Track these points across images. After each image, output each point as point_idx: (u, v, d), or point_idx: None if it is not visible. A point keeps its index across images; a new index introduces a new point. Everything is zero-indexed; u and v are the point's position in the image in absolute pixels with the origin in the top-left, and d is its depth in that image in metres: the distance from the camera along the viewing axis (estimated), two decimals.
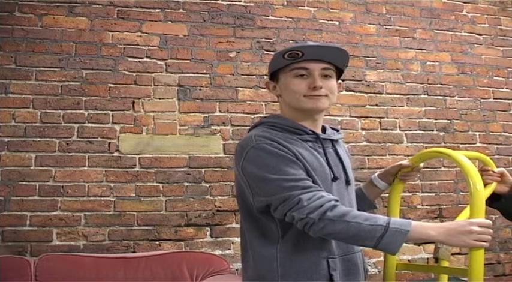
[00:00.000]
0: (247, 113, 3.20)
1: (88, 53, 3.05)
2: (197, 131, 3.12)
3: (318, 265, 1.42)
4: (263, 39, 3.32)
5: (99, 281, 2.56)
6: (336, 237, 1.39)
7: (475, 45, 3.70)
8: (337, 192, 1.48)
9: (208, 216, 3.05)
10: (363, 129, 3.39)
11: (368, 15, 3.54)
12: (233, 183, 2.76)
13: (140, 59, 3.12)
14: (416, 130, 3.48)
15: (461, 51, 3.66)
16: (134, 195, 2.98)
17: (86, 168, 2.94)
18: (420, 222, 1.39)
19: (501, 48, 3.75)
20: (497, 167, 1.74)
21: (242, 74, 3.25)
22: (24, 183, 2.85)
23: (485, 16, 3.75)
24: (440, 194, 3.43)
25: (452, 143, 3.51)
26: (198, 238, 3.02)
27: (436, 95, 3.56)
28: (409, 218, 2.95)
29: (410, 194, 3.37)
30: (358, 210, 1.48)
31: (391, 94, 3.47)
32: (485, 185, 1.63)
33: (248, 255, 1.50)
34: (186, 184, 3.05)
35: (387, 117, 3.44)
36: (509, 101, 3.71)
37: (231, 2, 3.31)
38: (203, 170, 3.09)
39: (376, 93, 3.45)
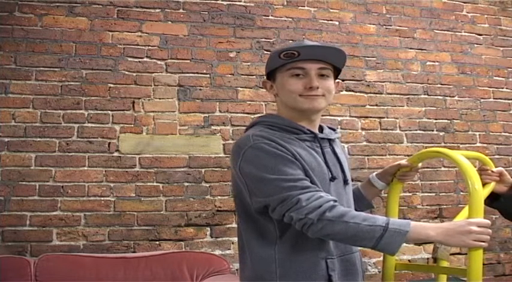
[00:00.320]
0: (247, 113, 3.20)
1: (88, 53, 3.06)
2: (197, 131, 3.12)
3: (317, 265, 1.42)
4: (263, 39, 3.32)
5: (99, 281, 2.56)
6: (334, 237, 1.38)
7: (475, 45, 3.70)
8: (335, 192, 1.47)
9: (208, 216, 3.05)
10: (363, 129, 3.38)
11: (368, 15, 3.54)
12: None
13: (140, 59, 3.12)
14: (416, 130, 3.47)
15: (461, 51, 3.66)
16: (134, 195, 2.98)
17: (86, 168, 2.94)
18: (419, 222, 1.38)
19: (501, 48, 3.75)
20: (497, 167, 1.73)
21: (242, 74, 3.25)
22: (24, 183, 2.85)
23: (485, 16, 3.75)
24: (441, 194, 3.43)
25: (452, 143, 3.50)
26: (198, 238, 3.02)
27: (436, 95, 3.55)
28: (409, 218, 2.95)
29: (410, 194, 3.36)
30: (356, 210, 1.48)
31: (391, 94, 3.47)
32: (484, 184, 1.63)
33: (246, 256, 1.50)
34: (186, 184, 3.05)
35: (387, 117, 3.44)
36: (509, 101, 3.70)
37: (231, 2, 3.31)
38: (203, 170, 3.09)
39: (376, 93, 3.45)
